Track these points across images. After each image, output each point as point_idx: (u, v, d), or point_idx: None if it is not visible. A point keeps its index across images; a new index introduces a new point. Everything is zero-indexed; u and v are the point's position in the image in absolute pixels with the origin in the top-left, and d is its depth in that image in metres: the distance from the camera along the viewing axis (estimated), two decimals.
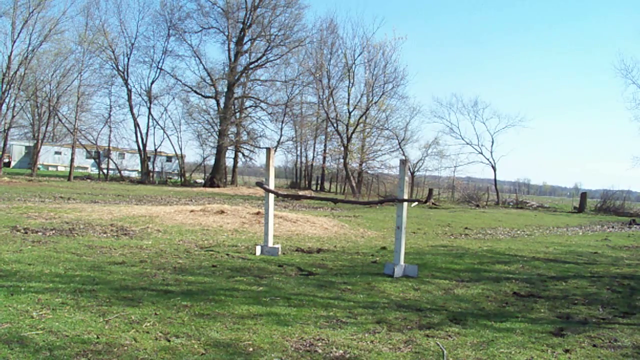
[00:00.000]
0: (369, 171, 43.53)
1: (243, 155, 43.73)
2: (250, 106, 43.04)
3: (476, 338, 4.59)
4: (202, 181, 42.73)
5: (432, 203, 32.96)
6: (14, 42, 32.99)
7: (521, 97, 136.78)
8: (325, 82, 40.94)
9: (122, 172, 43.06)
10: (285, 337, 4.30)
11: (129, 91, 40.30)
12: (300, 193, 33.40)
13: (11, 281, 5.59)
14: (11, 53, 33.10)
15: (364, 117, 41.04)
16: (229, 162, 43.90)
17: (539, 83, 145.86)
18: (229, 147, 41.70)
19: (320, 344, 4.19)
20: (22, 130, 47.81)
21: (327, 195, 39.52)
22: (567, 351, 4.35)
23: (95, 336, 4.02)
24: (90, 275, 6.14)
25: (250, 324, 4.61)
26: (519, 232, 16.32)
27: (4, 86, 33.00)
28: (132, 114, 40.63)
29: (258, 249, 8.66)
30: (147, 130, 41.51)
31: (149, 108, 41.10)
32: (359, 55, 40.45)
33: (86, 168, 50.63)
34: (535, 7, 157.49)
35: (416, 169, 45.86)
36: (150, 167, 43.02)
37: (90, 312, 4.62)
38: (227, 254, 8.38)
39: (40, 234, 9.23)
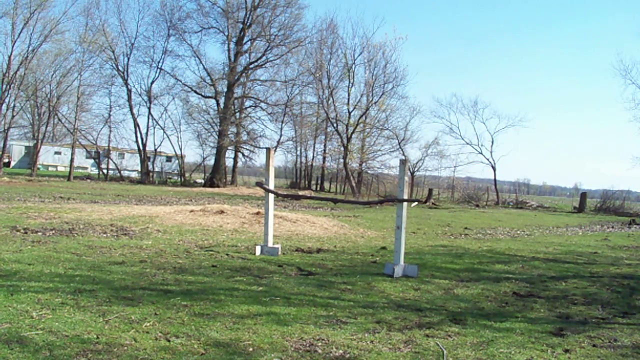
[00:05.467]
0: (369, 171, 43.61)
1: (243, 155, 43.75)
2: (250, 106, 43.06)
3: (476, 338, 4.59)
4: (202, 181, 42.71)
5: (432, 203, 32.96)
6: (14, 42, 33.08)
7: (521, 97, 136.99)
8: (325, 82, 41.00)
9: (122, 172, 43.03)
10: (285, 337, 4.30)
11: (129, 91, 40.31)
12: (300, 193, 33.40)
13: (11, 281, 5.59)
14: (11, 53, 33.17)
15: (364, 117, 41.08)
16: (229, 162, 43.95)
17: (538, 83, 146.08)
18: (229, 147, 41.69)
19: (320, 343, 4.19)
20: (22, 130, 47.89)
21: (327, 195, 39.53)
22: (566, 351, 4.35)
23: (95, 336, 4.02)
24: (90, 275, 6.14)
25: (250, 323, 4.61)
26: (518, 232, 16.32)
27: (4, 86, 33.04)
28: (132, 114, 40.66)
29: (258, 249, 8.67)
30: (147, 130, 41.58)
31: (149, 108, 41.13)
32: (359, 55, 40.55)
33: (86, 168, 50.62)
34: (535, 7, 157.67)
35: (416, 169, 45.86)
36: (150, 167, 42.99)
37: (90, 312, 4.63)
38: (227, 254, 8.38)
39: (40, 234, 9.23)
